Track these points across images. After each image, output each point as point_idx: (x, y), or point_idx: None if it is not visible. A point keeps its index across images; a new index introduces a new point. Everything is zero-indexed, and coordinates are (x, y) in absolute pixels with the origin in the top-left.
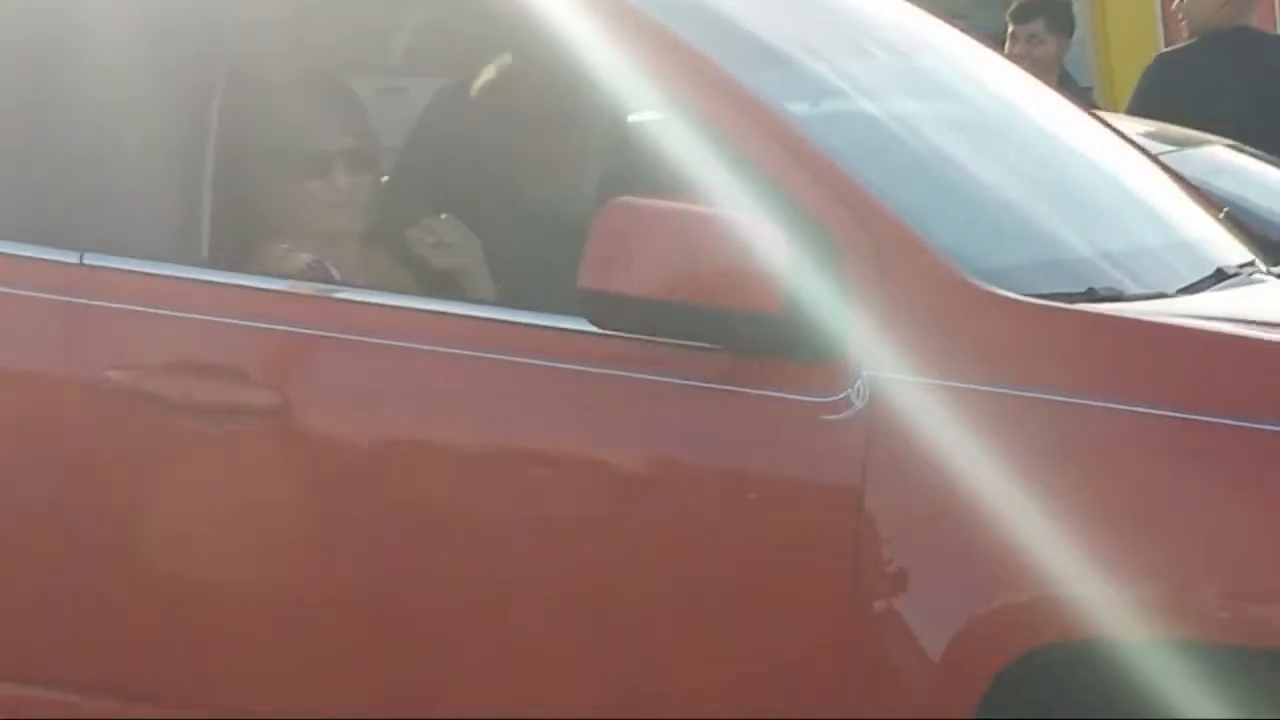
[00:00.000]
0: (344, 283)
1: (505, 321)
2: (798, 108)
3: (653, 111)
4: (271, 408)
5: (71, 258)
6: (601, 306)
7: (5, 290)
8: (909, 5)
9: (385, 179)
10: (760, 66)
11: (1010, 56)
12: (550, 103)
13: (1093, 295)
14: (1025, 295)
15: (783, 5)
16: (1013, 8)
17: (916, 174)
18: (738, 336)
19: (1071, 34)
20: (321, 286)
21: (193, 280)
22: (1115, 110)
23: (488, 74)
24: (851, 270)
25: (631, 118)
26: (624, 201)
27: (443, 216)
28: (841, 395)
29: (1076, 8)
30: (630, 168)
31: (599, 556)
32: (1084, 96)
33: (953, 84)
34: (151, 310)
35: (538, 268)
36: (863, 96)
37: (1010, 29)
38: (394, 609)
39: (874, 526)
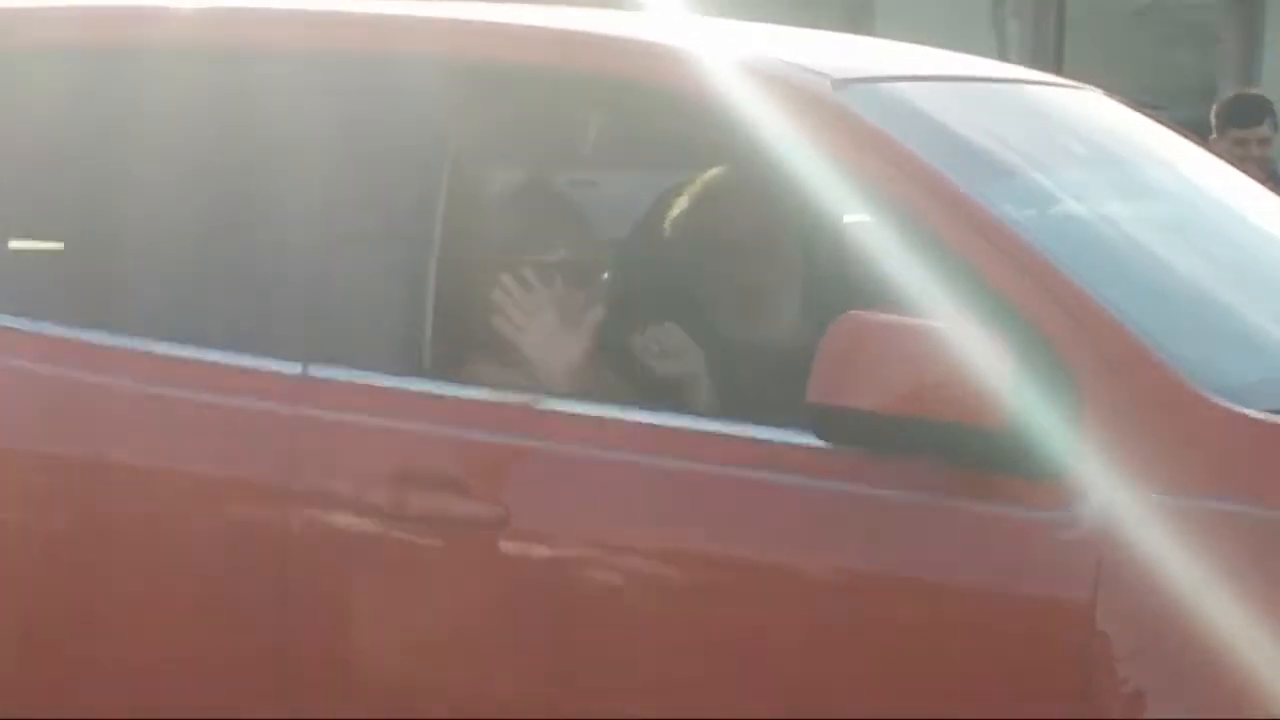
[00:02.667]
0: (559, 394)
1: (727, 434)
2: (1022, 216)
3: (871, 221)
4: (490, 519)
5: (295, 369)
6: (829, 420)
7: (230, 401)
8: (1127, 109)
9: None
10: (984, 176)
11: (1229, 158)
12: (751, 230)
13: None
14: (1258, 410)
15: (1001, 113)
16: (1228, 110)
17: (1144, 284)
18: (965, 451)
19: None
20: (540, 398)
21: (413, 391)
22: None
23: (688, 196)
24: (1081, 384)
25: (848, 225)
26: (853, 316)
27: (666, 325)
28: (1072, 512)
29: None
30: (844, 280)
31: (821, 671)
32: None
33: (1177, 191)
34: (373, 420)
35: (738, 386)
36: (1086, 205)
37: (1230, 133)
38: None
39: (1106, 644)
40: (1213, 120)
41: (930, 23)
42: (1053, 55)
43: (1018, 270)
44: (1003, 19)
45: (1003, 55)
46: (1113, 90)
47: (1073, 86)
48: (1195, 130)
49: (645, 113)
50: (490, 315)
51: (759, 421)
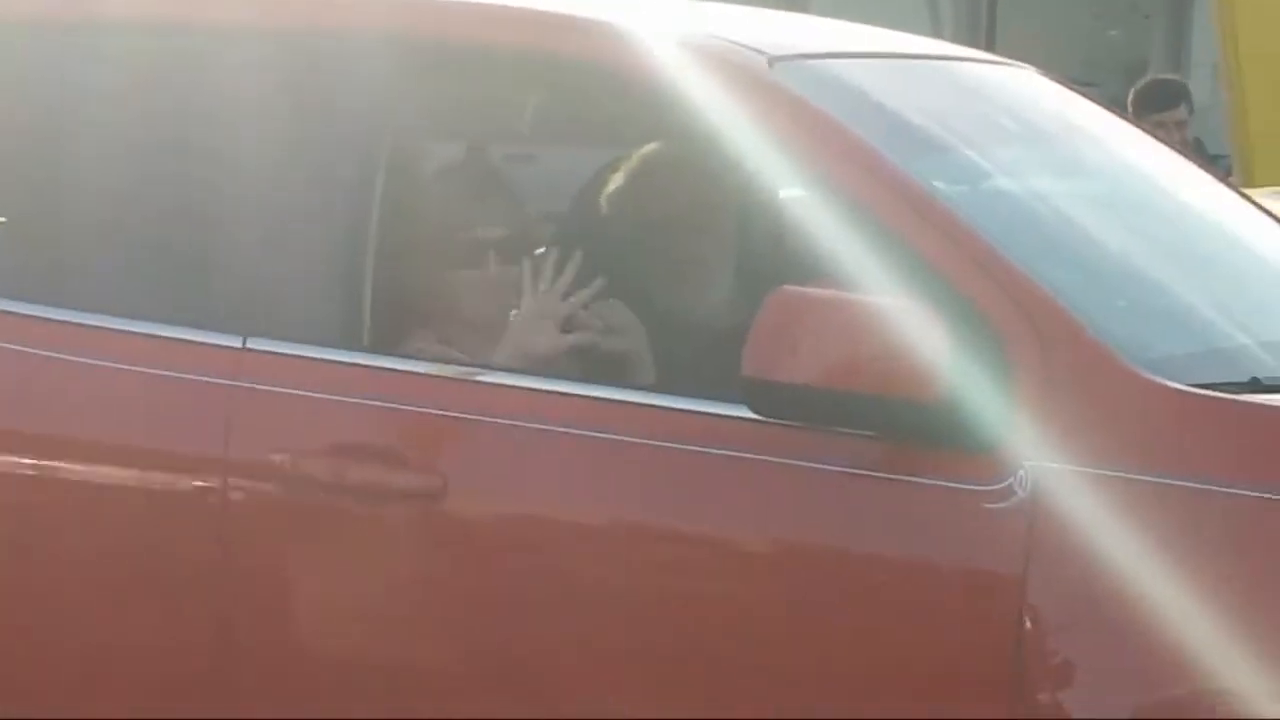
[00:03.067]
0: (494, 366)
1: (664, 407)
2: (955, 192)
3: (805, 196)
4: (426, 490)
5: (235, 342)
6: (763, 394)
7: (169, 374)
8: (1059, 86)
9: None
10: (918, 152)
11: None
12: (686, 204)
13: (1257, 385)
14: (1189, 385)
15: (936, 90)
16: (1145, 95)
17: (1076, 261)
18: (899, 425)
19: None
20: (474, 370)
21: (351, 364)
22: (1251, 179)
23: (623, 172)
24: (1014, 359)
25: (783, 200)
26: (788, 290)
27: (610, 301)
28: (1004, 484)
29: (1203, 79)
30: (779, 254)
31: (747, 640)
32: (1217, 165)
33: (1109, 168)
34: (313, 394)
35: (674, 360)
36: (1019, 181)
37: (1148, 117)
38: (535, 687)
39: (1037, 616)
40: (1129, 105)
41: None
42: (985, 31)
43: (951, 246)
44: None
45: (936, 31)
46: (1045, 66)
47: (1006, 64)
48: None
49: (582, 88)
50: (434, 290)
51: (695, 395)
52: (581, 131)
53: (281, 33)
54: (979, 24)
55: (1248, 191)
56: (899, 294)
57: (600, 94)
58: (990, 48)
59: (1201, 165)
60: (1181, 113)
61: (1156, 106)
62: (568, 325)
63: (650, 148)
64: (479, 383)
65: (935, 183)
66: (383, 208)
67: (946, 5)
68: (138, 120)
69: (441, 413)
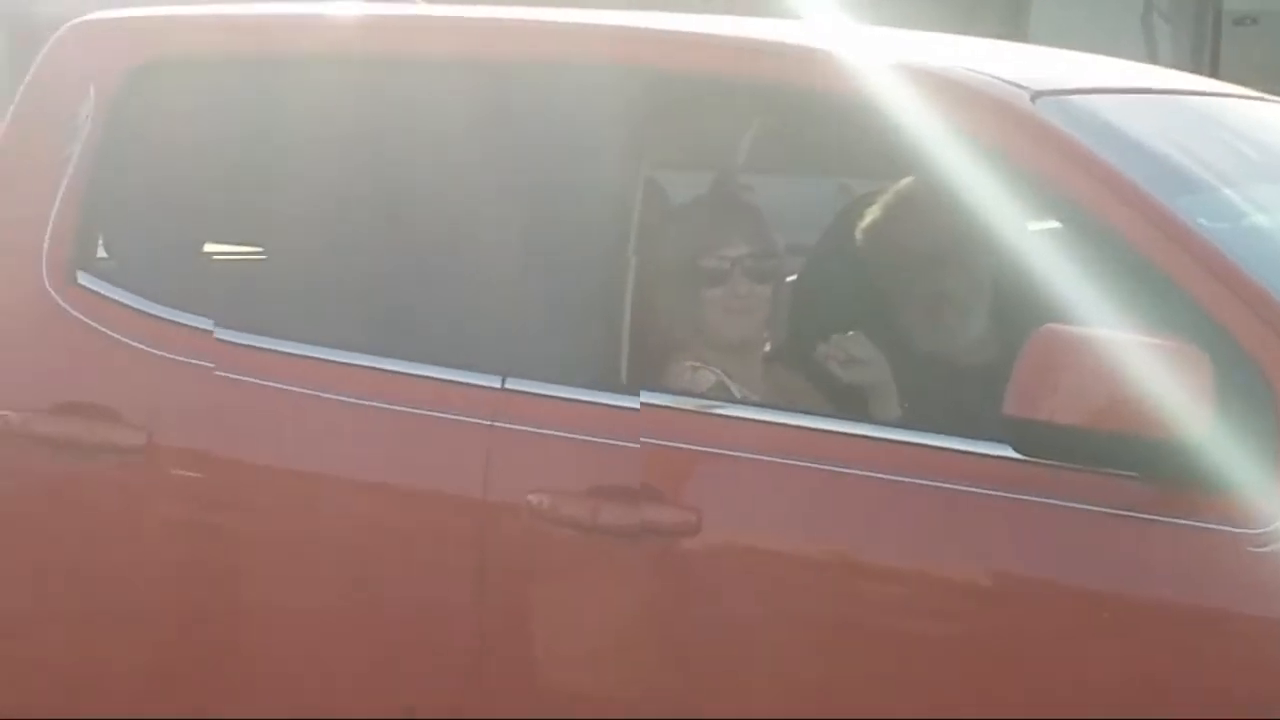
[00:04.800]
0: (749, 400)
1: (920, 445)
2: (1220, 230)
3: (1067, 232)
4: (681, 526)
5: (494, 382)
6: (1026, 433)
7: (430, 413)
8: None
9: (790, 280)
10: (1180, 188)
11: None
12: (943, 240)
13: None
14: None
15: (1196, 126)
16: None
17: None
18: (1162, 466)
19: None
20: (724, 405)
21: (608, 405)
22: None
23: (880, 205)
24: None
25: (1039, 235)
26: (1052, 329)
27: (850, 333)
28: (1270, 527)
29: None
30: (1037, 291)
31: (1004, 683)
32: None
33: None
34: (570, 435)
35: (927, 396)
36: None
37: None
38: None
39: None
40: None
41: (1081, 26)
42: (1209, 61)
43: (1219, 285)
44: (1152, 23)
45: (1152, 59)
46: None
47: (1264, 99)
48: None
49: (844, 123)
50: (686, 314)
51: (948, 432)
52: (839, 165)
53: (537, 66)
54: (1201, 55)
55: None
56: (1163, 333)
57: (862, 129)
58: (1213, 76)
59: None
60: None
61: None
62: (801, 353)
63: (907, 181)
64: (724, 416)
65: (1200, 220)
66: (638, 240)
67: (1165, 35)
68: (394, 159)
69: (694, 448)
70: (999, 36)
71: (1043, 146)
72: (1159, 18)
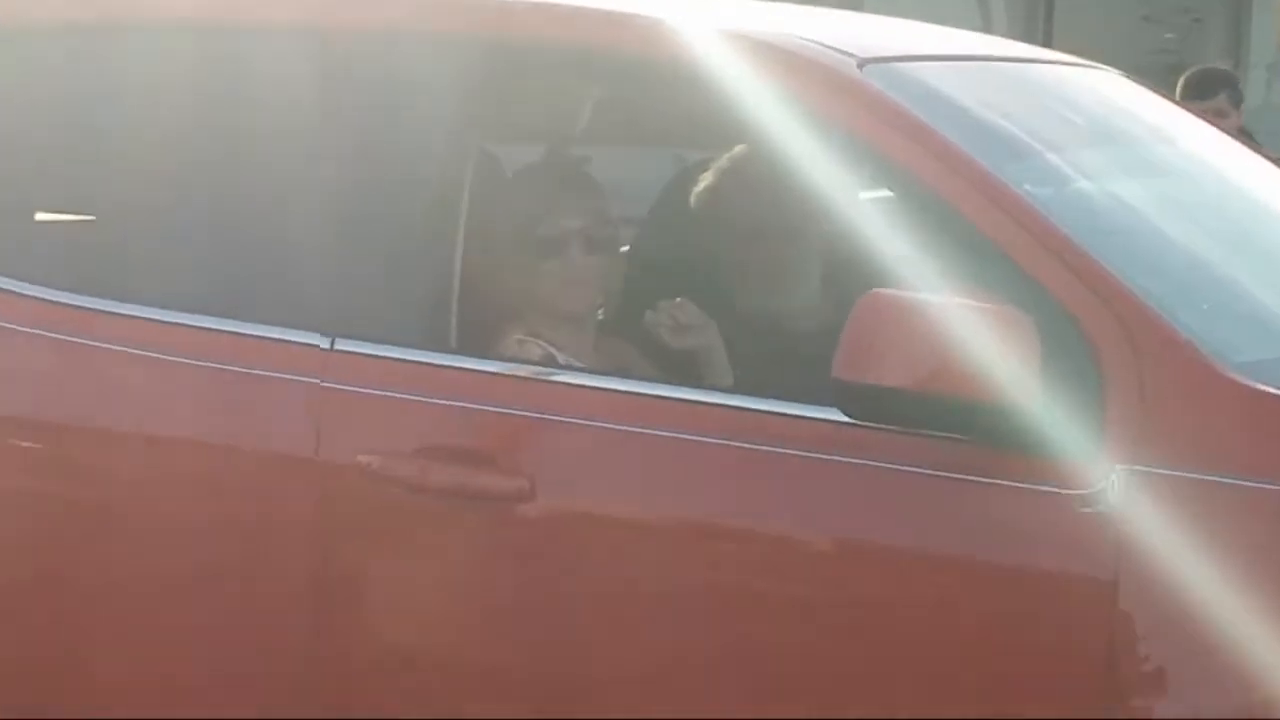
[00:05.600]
0: (579, 366)
1: (751, 409)
2: (1045, 196)
3: (896, 200)
4: (514, 492)
5: (323, 342)
6: (854, 397)
7: (257, 372)
8: (1141, 89)
9: (624, 251)
10: (1007, 155)
11: None
12: (775, 207)
13: None
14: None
15: (1021, 94)
16: (1188, 85)
17: (1165, 264)
18: (989, 429)
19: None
20: (557, 371)
21: (437, 365)
22: None
23: (712, 172)
24: (1106, 362)
25: (871, 202)
26: (879, 294)
27: (678, 300)
28: (1096, 488)
29: (1258, 81)
30: (868, 258)
31: (823, 642)
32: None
33: (1192, 170)
34: (399, 395)
35: (758, 363)
36: (1107, 185)
37: (1189, 105)
38: (606, 687)
39: (1129, 622)
40: (1178, 95)
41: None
42: (1041, 34)
43: (1043, 250)
44: None
45: (987, 32)
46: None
47: (1091, 66)
48: None
49: (669, 90)
50: (520, 285)
51: (782, 397)
52: (675, 135)
53: (367, 34)
54: (1035, 26)
55: None
56: (989, 298)
57: (690, 96)
58: (1046, 47)
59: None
60: (1220, 102)
61: (1194, 95)
62: (631, 320)
63: (739, 149)
64: (556, 383)
65: (1025, 186)
66: (469, 207)
67: (999, 7)
68: (227, 122)
69: (523, 413)
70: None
71: (870, 113)
72: None
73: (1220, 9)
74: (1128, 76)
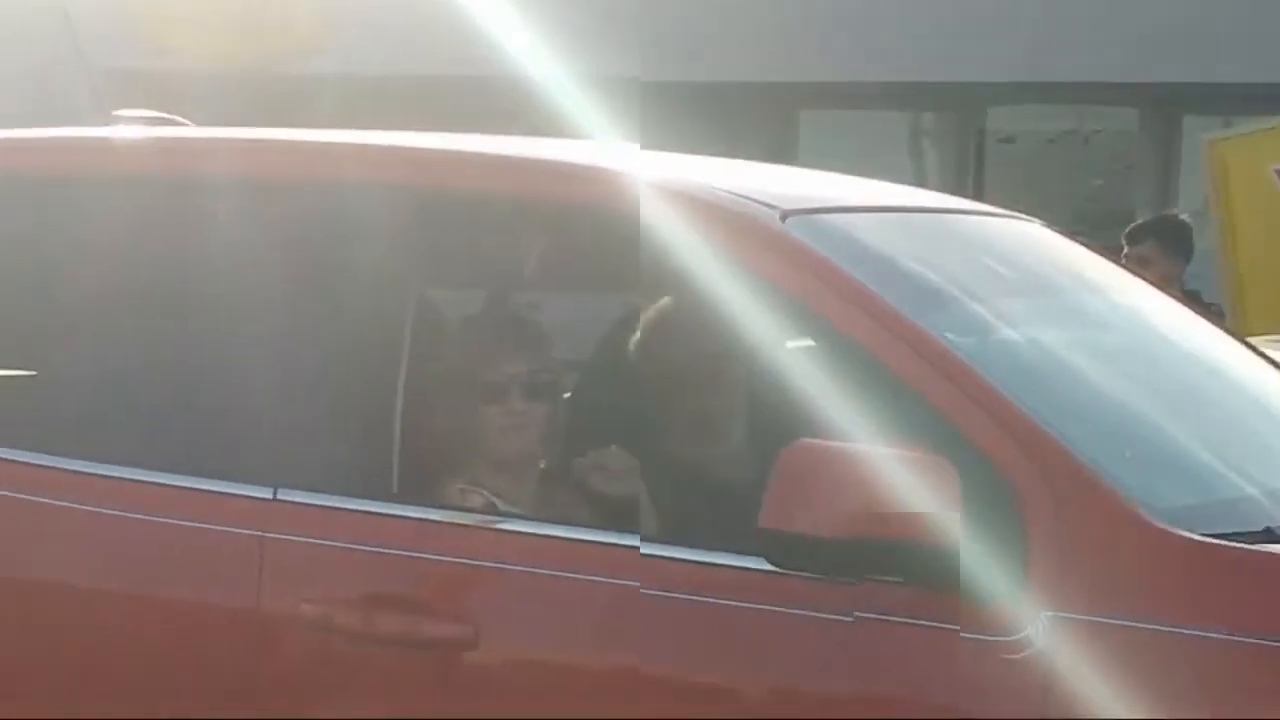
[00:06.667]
0: (521, 515)
1: (679, 559)
2: (967, 344)
3: (818, 349)
4: (459, 640)
5: (264, 493)
6: (780, 546)
7: (200, 525)
8: (1064, 238)
9: (566, 397)
10: (929, 304)
11: None
12: (699, 357)
13: (1271, 535)
14: (1204, 535)
15: (946, 243)
16: (1127, 230)
17: (1088, 411)
18: (917, 572)
19: (1189, 256)
20: (497, 519)
21: (380, 514)
22: (1245, 327)
23: (642, 323)
24: (1028, 508)
25: (794, 352)
26: (804, 443)
27: (611, 448)
28: (1021, 634)
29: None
30: (792, 407)
31: None
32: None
33: (1114, 319)
34: (341, 545)
35: (688, 510)
36: (1029, 333)
37: (1124, 250)
38: None
39: None
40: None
41: (849, 151)
42: (972, 182)
43: (964, 397)
44: (921, 145)
45: (920, 182)
46: (1029, 215)
47: (1013, 216)
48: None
49: (594, 238)
50: (461, 432)
51: (712, 546)
52: (594, 281)
53: (305, 184)
54: (965, 174)
55: (1252, 340)
56: (912, 446)
57: (613, 244)
58: (977, 198)
59: (1197, 311)
60: (1145, 250)
61: (1128, 240)
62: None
63: (666, 301)
64: (498, 530)
65: (947, 334)
66: (410, 355)
67: (932, 155)
68: (164, 273)
69: (466, 561)
70: (768, 161)
71: (792, 264)
72: (926, 138)
73: (1150, 156)
74: (1049, 226)
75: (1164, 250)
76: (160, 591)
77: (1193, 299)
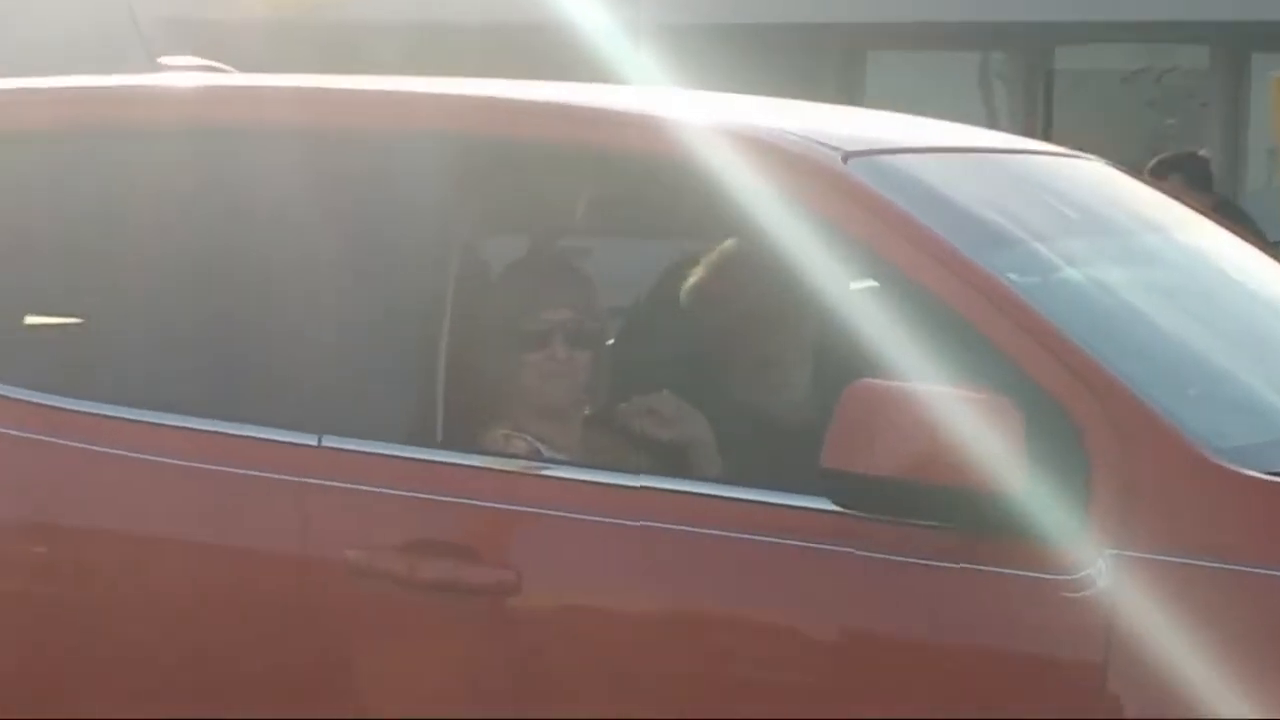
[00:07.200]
0: (564, 460)
1: (738, 499)
2: (1030, 284)
3: (881, 290)
4: (501, 585)
5: (310, 440)
6: (844, 486)
7: (245, 472)
8: (1127, 177)
9: (610, 344)
10: (991, 245)
11: None
12: (765, 300)
13: None
14: (1265, 473)
15: (1007, 183)
16: (1150, 164)
17: (1151, 351)
18: (977, 517)
19: (1210, 189)
20: (541, 465)
21: (423, 461)
22: None
23: (703, 266)
24: (1092, 449)
25: (859, 294)
26: (865, 383)
27: (662, 391)
28: (1083, 574)
29: (1259, 165)
30: (856, 349)
31: None
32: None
33: (1177, 257)
34: (386, 491)
35: (749, 454)
36: (1092, 273)
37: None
38: None
39: (1118, 705)
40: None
41: (917, 93)
42: (1041, 121)
43: (1028, 338)
44: (990, 84)
45: (992, 121)
46: (1103, 156)
47: (1076, 155)
48: None
49: (660, 184)
50: (505, 379)
51: (774, 487)
52: (654, 227)
53: (347, 133)
54: (1035, 113)
55: None
56: (976, 386)
57: (672, 189)
58: (1046, 138)
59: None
60: (1171, 185)
61: (1152, 177)
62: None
63: (729, 244)
64: (541, 477)
65: (1010, 275)
66: (454, 303)
67: (1002, 95)
68: (213, 223)
69: (509, 507)
70: (836, 103)
71: (855, 206)
72: (995, 79)
73: (1221, 93)
74: (1112, 165)
75: (1190, 185)
76: (205, 538)
77: (1225, 209)
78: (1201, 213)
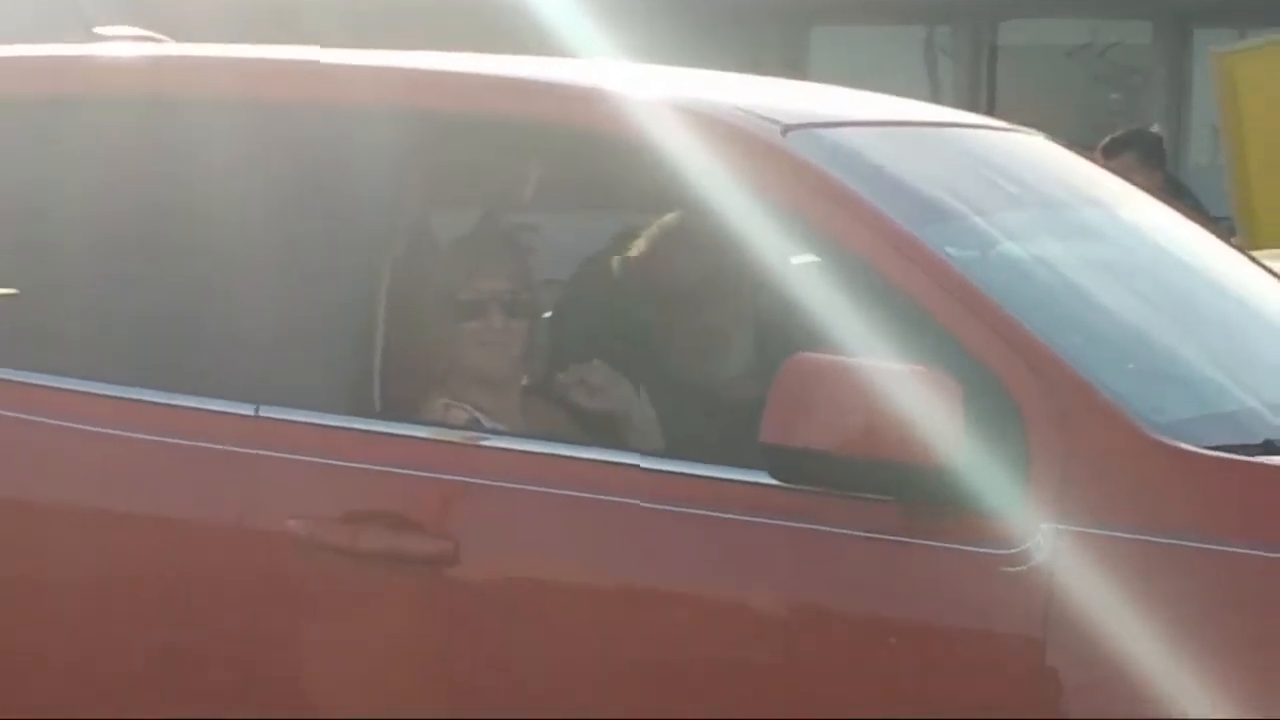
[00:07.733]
0: (502, 430)
1: (679, 474)
2: (968, 258)
3: (820, 264)
4: (439, 555)
5: (247, 410)
6: (782, 460)
7: (183, 442)
8: (1066, 151)
9: (547, 317)
10: (929, 218)
11: None
12: (703, 274)
13: (1270, 447)
14: (1203, 448)
15: (946, 157)
16: (1103, 142)
17: (1089, 325)
18: (916, 490)
19: (1163, 167)
20: (479, 435)
21: (361, 431)
22: (1253, 241)
23: (643, 239)
24: (1029, 423)
25: (798, 268)
26: (804, 357)
27: (593, 362)
28: (1022, 548)
29: (1203, 141)
30: (795, 322)
31: (758, 704)
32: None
33: (1115, 232)
34: (324, 461)
35: (689, 426)
36: (1030, 247)
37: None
38: None
39: (1056, 678)
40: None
41: (861, 67)
42: (985, 96)
43: (965, 311)
44: (934, 59)
45: (935, 96)
46: (1045, 131)
47: (1015, 130)
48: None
49: (595, 158)
50: (442, 348)
51: (714, 460)
52: (594, 201)
53: (296, 105)
54: (979, 88)
55: (1254, 254)
56: (913, 360)
57: (613, 163)
58: (990, 113)
59: (1175, 205)
60: (1123, 162)
61: (1105, 153)
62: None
63: (669, 217)
64: (480, 447)
65: (949, 249)
66: (393, 273)
67: (946, 70)
68: (152, 193)
69: (448, 477)
70: (780, 77)
71: (794, 179)
72: (940, 54)
73: (1164, 68)
74: (1051, 139)
75: (1144, 162)
76: (143, 509)
77: (1173, 187)
78: (1148, 190)
